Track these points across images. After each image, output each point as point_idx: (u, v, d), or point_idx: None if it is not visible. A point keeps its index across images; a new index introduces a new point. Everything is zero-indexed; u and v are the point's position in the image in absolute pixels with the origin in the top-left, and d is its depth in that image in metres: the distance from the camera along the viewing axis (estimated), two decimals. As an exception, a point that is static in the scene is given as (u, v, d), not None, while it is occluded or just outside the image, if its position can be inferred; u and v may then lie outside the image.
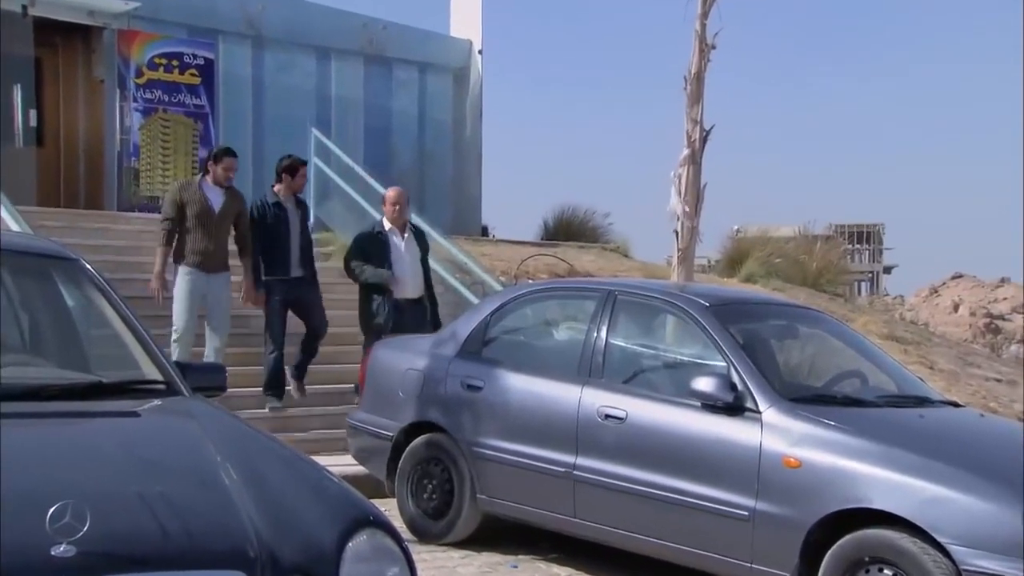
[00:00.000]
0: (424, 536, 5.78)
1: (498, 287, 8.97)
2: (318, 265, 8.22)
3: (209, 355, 7.29)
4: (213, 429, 3.06)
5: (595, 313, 5.47)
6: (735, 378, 4.76)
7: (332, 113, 14.08)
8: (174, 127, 12.40)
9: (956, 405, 5.41)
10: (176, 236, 7.36)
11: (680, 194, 8.49)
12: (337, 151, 12.21)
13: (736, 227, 21.08)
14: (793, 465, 4.44)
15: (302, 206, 7.96)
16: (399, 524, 5.57)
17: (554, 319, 6.16)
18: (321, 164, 12.15)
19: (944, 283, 44.25)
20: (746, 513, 4.54)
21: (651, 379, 5.29)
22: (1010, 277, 42.48)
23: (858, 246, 47.10)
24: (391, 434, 5.99)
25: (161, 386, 3.37)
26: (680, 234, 8.50)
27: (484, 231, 15.86)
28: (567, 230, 16.21)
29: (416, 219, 10.16)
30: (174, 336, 7.26)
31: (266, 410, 7.62)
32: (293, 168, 7.78)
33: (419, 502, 5.85)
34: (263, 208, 7.67)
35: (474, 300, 8.84)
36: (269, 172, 8.46)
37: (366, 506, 2.80)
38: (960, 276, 44.29)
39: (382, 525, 2.72)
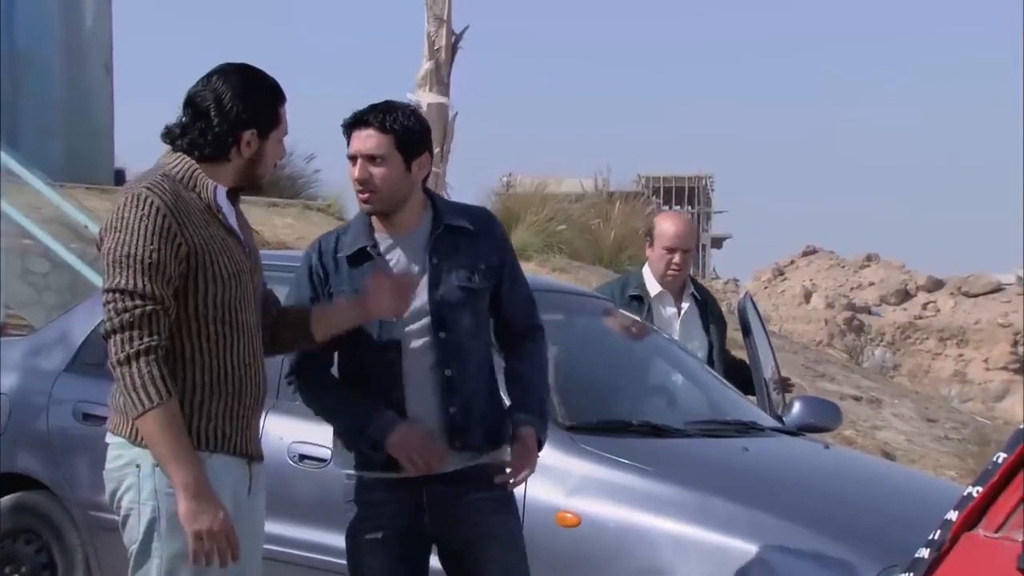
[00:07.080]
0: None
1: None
2: None
3: None
4: None
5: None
6: (488, 398, 4.89)
7: None
8: None
9: (794, 434, 5.78)
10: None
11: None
12: None
13: (506, 177, 21.51)
14: (570, 523, 4.60)
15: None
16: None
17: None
18: None
19: (792, 261, 47.10)
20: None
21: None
22: (879, 254, 45.79)
23: (676, 208, 49.17)
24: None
25: None
26: (416, 186, 8.61)
27: (119, 177, 15.53)
28: (250, 178, 16.09)
29: (5, 157, 9.90)
30: None
31: None
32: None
33: (0, 602, 5.71)
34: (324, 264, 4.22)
35: (100, 282, 8.68)
36: None
37: None
38: (814, 252, 47.26)
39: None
